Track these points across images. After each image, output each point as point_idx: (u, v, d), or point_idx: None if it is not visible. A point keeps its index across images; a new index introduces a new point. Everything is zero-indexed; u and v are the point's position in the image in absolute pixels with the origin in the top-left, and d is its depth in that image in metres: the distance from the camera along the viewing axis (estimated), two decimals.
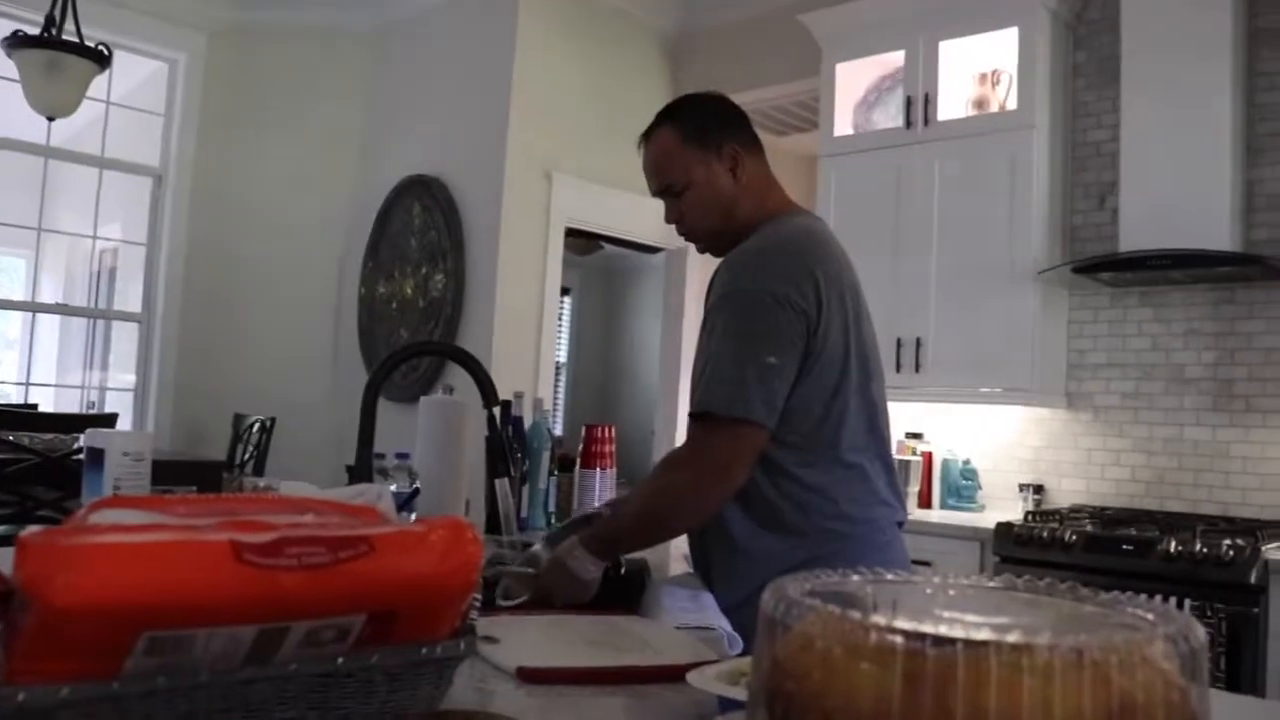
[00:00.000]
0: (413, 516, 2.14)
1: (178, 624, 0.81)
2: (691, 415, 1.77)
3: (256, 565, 0.83)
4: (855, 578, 0.64)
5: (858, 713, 0.51)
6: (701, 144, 1.89)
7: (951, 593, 0.65)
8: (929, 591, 0.66)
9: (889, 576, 0.66)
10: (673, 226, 1.98)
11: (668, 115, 1.95)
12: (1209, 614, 3.08)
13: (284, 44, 5.80)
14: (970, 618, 0.57)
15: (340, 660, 0.92)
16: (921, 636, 0.50)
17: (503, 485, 1.99)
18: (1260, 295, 3.74)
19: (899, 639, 0.50)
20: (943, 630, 0.50)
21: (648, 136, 1.96)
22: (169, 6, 5.49)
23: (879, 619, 0.51)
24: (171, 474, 3.14)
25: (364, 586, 0.89)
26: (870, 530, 1.81)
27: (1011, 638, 0.49)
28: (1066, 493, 4.11)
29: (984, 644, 0.49)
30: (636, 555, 1.87)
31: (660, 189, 1.94)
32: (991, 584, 0.66)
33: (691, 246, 2.05)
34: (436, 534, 0.94)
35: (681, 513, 1.79)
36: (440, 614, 0.97)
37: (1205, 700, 0.55)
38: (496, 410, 1.99)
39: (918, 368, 4.10)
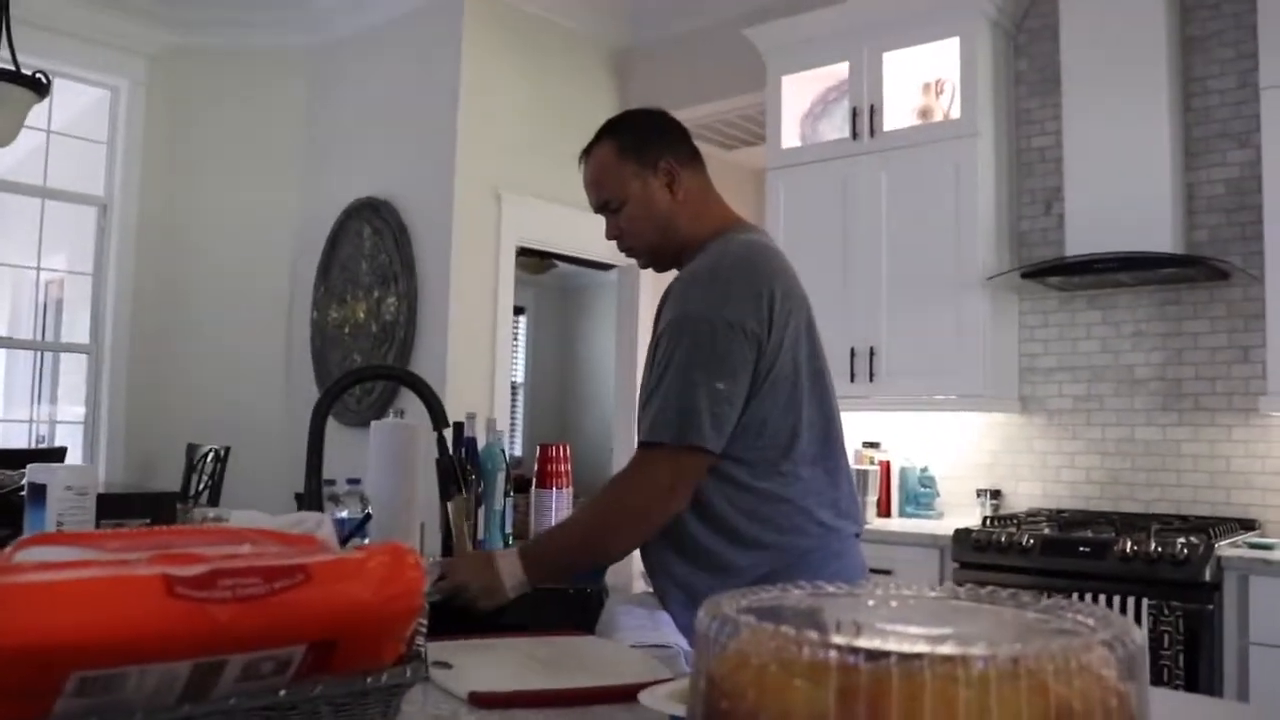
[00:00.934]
0: (365, 542, 2.11)
1: (108, 663, 0.78)
2: (642, 444, 1.77)
3: (189, 599, 0.81)
4: (794, 592, 0.63)
5: None
6: (638, 159, 1.89)
7: (893, 604, 0.65)
8: (870, 604, 0.65)
9: (829, 590, 0.65)
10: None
11: (607, 130, 1.96)
12: (1166, 612, 3.10)
13: (225, 67, 5.74)
14: (910, 629, 0.56)
15: (282, 692, 0.90)
16: (855, 651, 0.49)
17: (454, 507, 1.96)
18: (1203, 295, 3.79)
19: (832, 654, 0.49)
20: (877, 644, 0.49)
21: (588, 152, 1.97)
22: (107, 33, 5.42)
23: (812, 634, 0.50)
24: (124, 507, 3.08)
25: (301, 616, 0.87)
26: (827, 541, 1.81)
27: (945, 649, 0.48)
28: (1023, 496, 4.14)
29: (918, 657, 0.48)
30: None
31: (599, 205, 1.95)
32: (933, 594, 0.66)
33: None
34: (376, 560, 0.92)
35: (620, 538, 1.79)
36: (382, 641, 0.95)
37: (1145, 704, 0.54)
38: (447, 432, 1.97)
39: (871, 377, 4.12)
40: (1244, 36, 3.71)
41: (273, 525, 1.04)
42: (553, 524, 2.67)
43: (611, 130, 1.95)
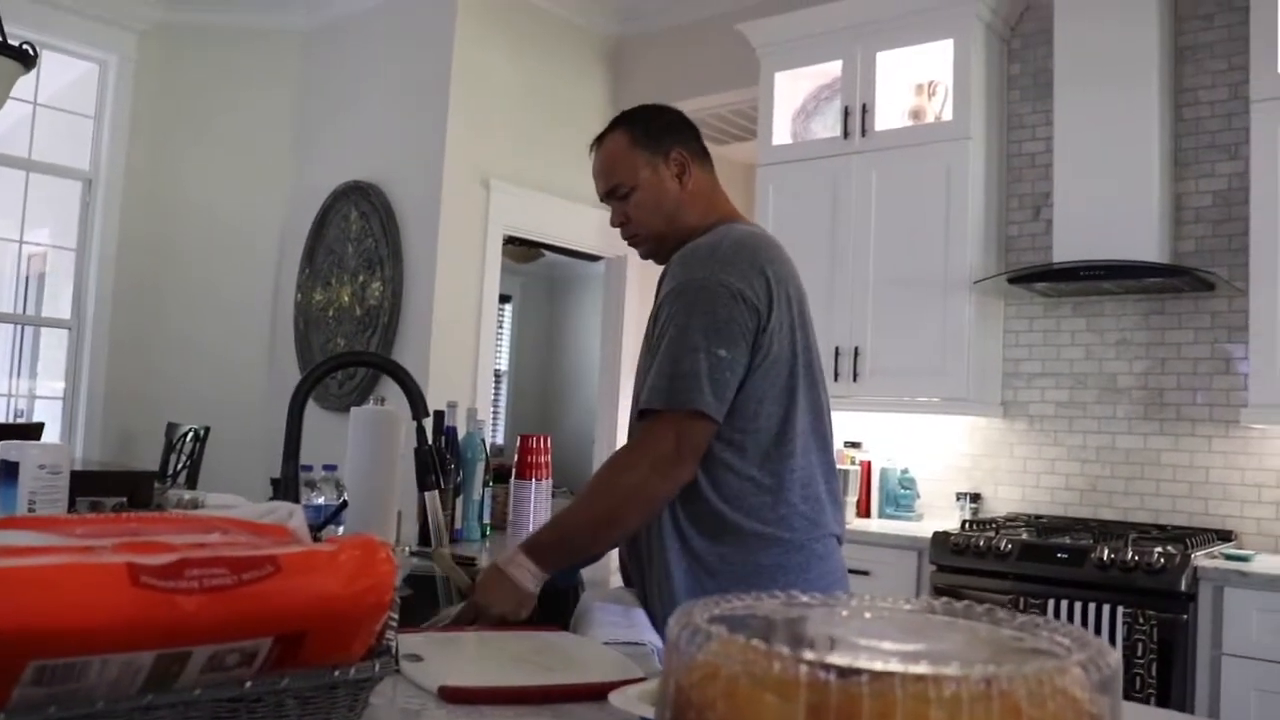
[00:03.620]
0: (340, 530, 2.10)
1: (68, 651, 0.77)
2: (641, 411, 1.75)
3: (154, 588, 0.79)
4: (768, 601, 0.62)
5: None
6: (650, 147, 1.91)
7: (868, 616, 0.64)
8: (845, 614, 0.64)
9: (804, 599, 0.64)
10: (615, 234, 1.98)
11: (621, 120, 1.97)
12: (1141, 621, 3.11)
13: (216, 45, 5.71)
14: (884, 645, 0.55)
15: (248, 684, 0.88)
16: (827, 667, 0.48)
17: (432, 498, 1.95)
18: (1188, 306, 3.80)
19: (804, 669, 0.48)
20: (849, 660, 0.48)
21: (600, 141, 1.98)
22: (98, 6, 5.38)
23: (784, 648, 0.49)
24: (101, 485, 3.05)
25: (269, 608, 0.85)
26: (812, 539, 1.80)
27: (918, 668, 0.47)
28: (1003, 501, 4.15)
29: (890, 675, 0.47)
30: (585, 564, 1.84)
31: (607, 191, 1.95)
32: (909, 607, 0.65)
33: (632, 254, 2.05)
34: (346, 553, 0.91)
35: (629, 509, 1.74)
36: (351, 635, 0.94)
37: None
38: (426, 422, 1.96)
39: (855, 377, 4.12)
40: (1236, 49, 3.72)
41: (245, 514, 1.02)
42: (529, 515, 2.67)
43: (626, 120, 1.97)
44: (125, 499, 2.97)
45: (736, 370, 1.72)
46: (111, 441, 5.48)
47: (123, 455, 5.40)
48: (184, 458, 5.00)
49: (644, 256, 2.01)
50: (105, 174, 5.53)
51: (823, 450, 1.86)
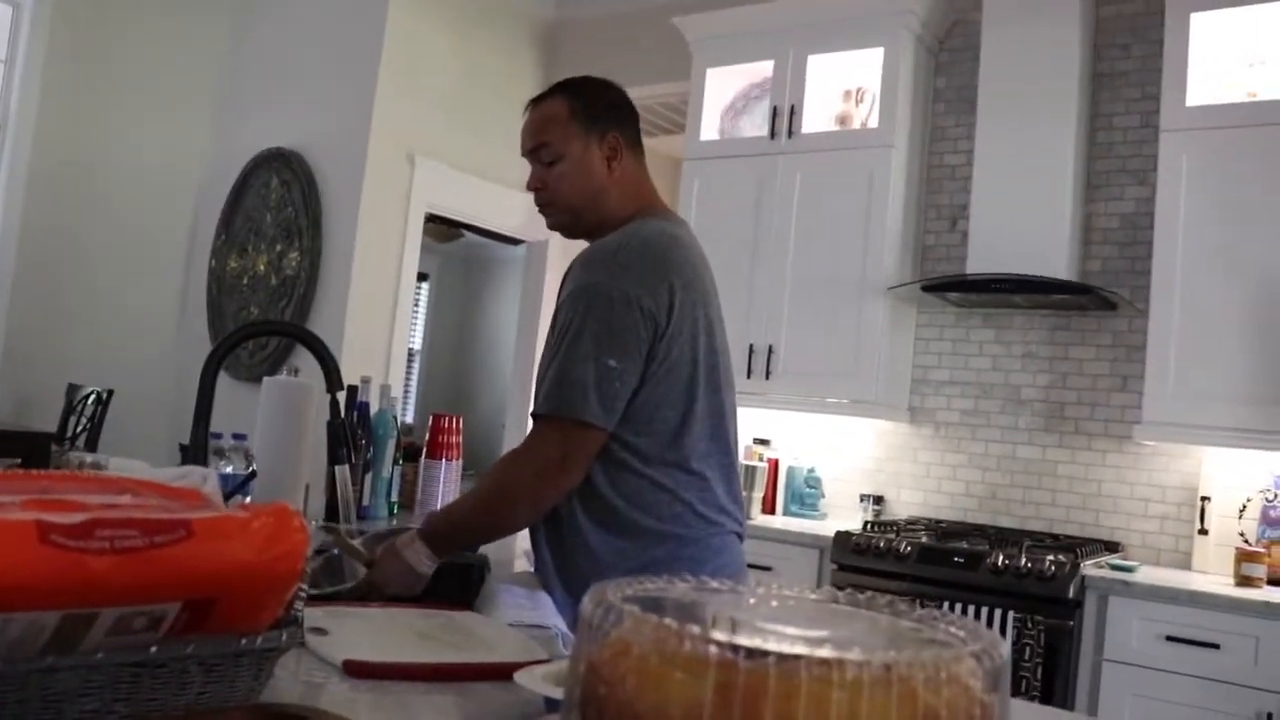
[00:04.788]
0: (248, 500, 2.08)
1: None
2: (533, 415, 1.79)
3: (63, 547, 0.78)
4: (679, 585, 0.64)
5: None
6: (587, 124, 1.89)
7: (774, 604, 0.66)
8: (752, 602, 0.66)
9: (713, 585, 0.66)
10: (538, 218, 1.96)
11: (564, 88, 1.95)
12: (1030, 626, 3.21)
13: None
14: (789, 630, 0.57)
15: (153, 649, 0.88)
16: (735, 648, 0.50)
17: (343, 472, 1.94)
18: (1092, 323, 3.93)
19: (713, 649, 0.50)
20: (758, 642, 0.51)
21: (538, 101, 1.95)
22: None
23: (694, 628, 0.51)
24: None
25: (180, 573, 0.85)
26: (708, 535, 1.84)
27: (822, 652, 0.49)
28: (905, 504, 4.24)
29: (796, 658, 0.49)
30: (476, 551, 1.85)
31: (532, 148, 1.92)
32: (813, 596, 0.67)
33: (554, 239, 2.06)
34: (260, 521, 0.91)
35: (516, 510, 1.80)
36: (261, 604, 0.93)
37: (1007, 715, 0.57)
38: (341, 395, 1.95)
39: (768, 374, 4.18)
40: (1149, 79, 3.85)
41: (157, 477, 1.01)
42: (438, 495, 2.67)
43: (568, 89, 1.94)
44: (19, 460, 2.89)
45: (628, 379, 1.74)
46: (8, 401, 5.31)
47: (20, 416, 5.24)
48: (84, 420, 4.87)
49: (551, 227, 2.00)
50: (14, 121, 5.34)
51: (723, 453, 1.89)
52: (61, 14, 5.44)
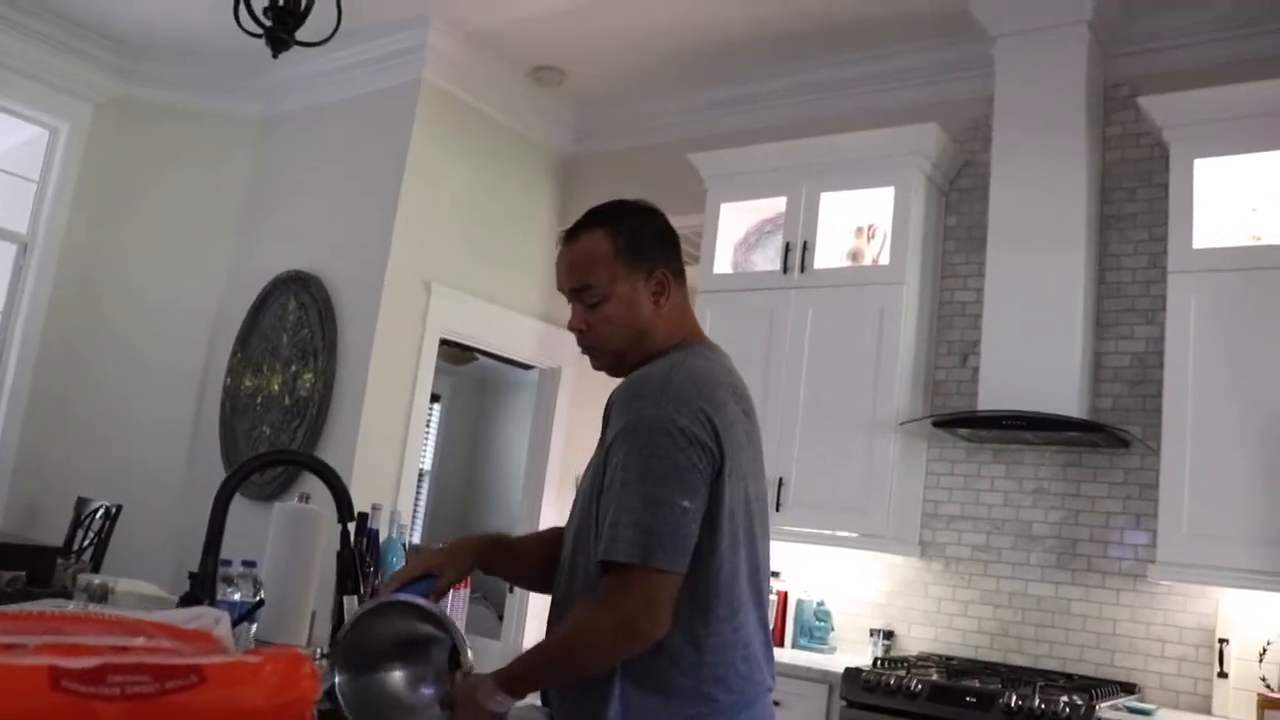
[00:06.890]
0: (253, 628, 2.06)
1: None
2: (607, 561, 1.64)
3: (74, 693, 0.79)
4: None
5: None
6: (633, 262, 1.79)
7: None
8: None
9: None
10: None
11: (604, 219, 1.82)
12: None
13: (172, 123, 5.74)
14: None
15: None
16: None
17: (351, 602, 1.94)
18: (1104, 461, 3.92)
19: None
20: None
21: (574, 234, 1.83)
22: (57, 74, 5.40)
23: None
24: None
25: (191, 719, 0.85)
26: (745, 698, 1.72)
27: None
28: (916, 639, 4.17)
29: None
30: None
31: (575, 289, 1.81)
32: None
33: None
34: (271, 666, 0.91)
35: (599, 656, 1.65)
36: None
37: None
38: (351, 525, 1.95)
39: (778, 507, 4.16)
40: (1156, 221, 3.92)
41: (170, 619, 1.02)
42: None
43: (609, 221, 1.82)
44: (24, 574, 2.88)
45: (697, 518, 1.64)
46: (17, 512, 5.31)
47: (26, 527, 5.23)
48: (91, 535, 4.85)
49: (597, 368, 1.89)
50: (43, 239, 5.47)
51: (759, 606, 1.77)
52: (96, 139, 5.62)
